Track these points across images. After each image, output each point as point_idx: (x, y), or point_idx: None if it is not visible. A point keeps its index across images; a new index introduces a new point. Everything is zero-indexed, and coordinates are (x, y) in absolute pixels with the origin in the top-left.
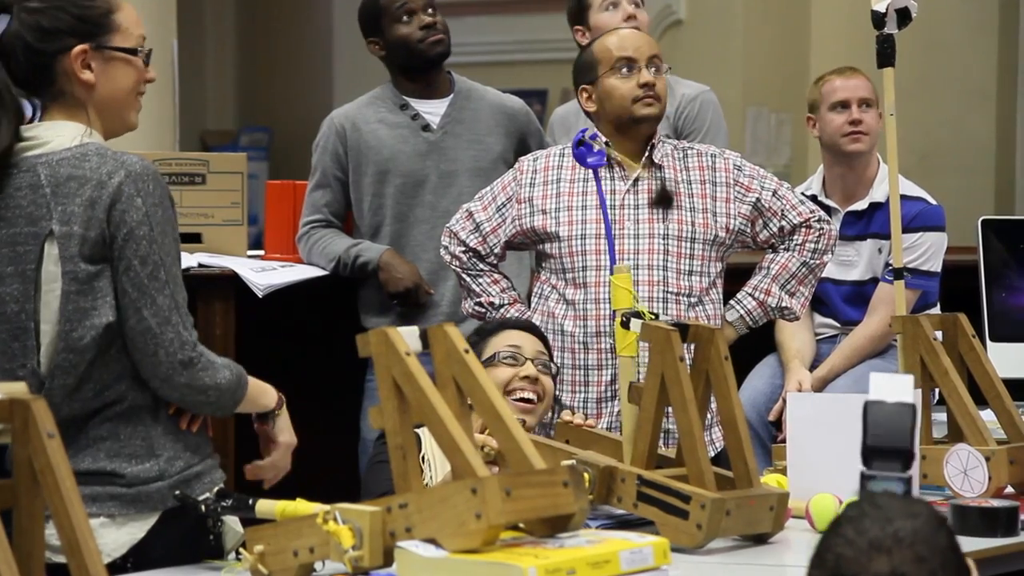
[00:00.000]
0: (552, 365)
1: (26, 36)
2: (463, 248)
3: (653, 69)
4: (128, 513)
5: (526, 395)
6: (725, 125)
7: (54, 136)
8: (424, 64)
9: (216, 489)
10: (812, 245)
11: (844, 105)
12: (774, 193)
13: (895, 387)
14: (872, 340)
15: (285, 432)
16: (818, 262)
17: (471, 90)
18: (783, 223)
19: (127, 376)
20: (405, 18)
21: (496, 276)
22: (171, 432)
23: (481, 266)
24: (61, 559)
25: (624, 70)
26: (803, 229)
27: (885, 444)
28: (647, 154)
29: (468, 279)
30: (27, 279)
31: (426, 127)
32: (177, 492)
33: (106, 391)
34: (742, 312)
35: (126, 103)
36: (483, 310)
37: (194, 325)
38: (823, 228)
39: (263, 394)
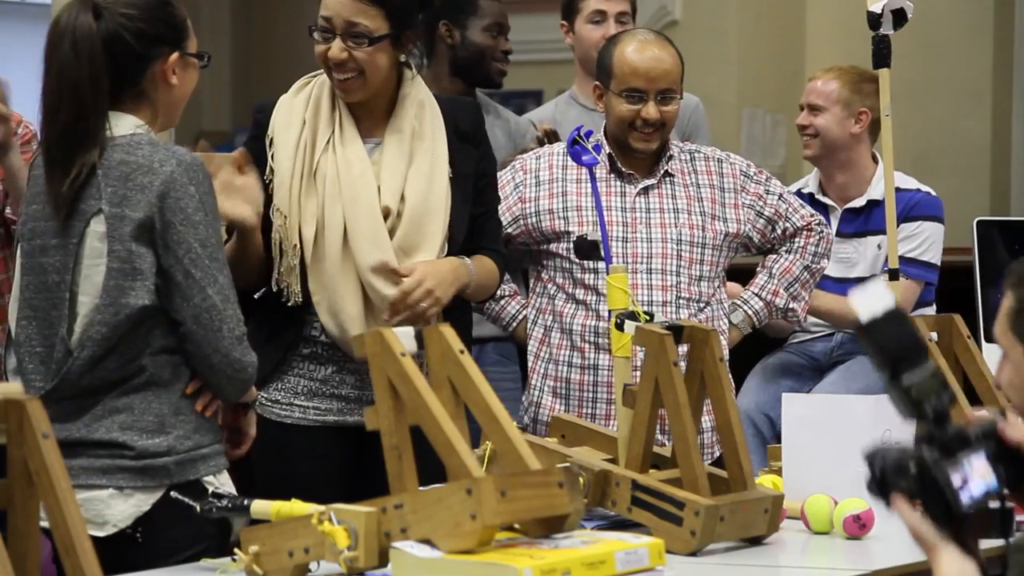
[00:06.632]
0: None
1: (129, 39)
2: None
3: (662, 100)
4: (135, 484)
5: (337, 76)
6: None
7: (113, 124)
8: (480, 79)
9: (211, 490)
10: (813, 248)
11: (802, 108)
12: (780, 197)
13: (875, 298)
14: None
15: (254, 425)
16: (818, 266)
17: (489, 104)
18: (787, 225)
19: (148, 352)
20: (494, 32)
21: None
22: (183, 413)
23: None
24: None
25: (631, 97)
26: (804, 232)
27: (907, 351)
28: (664, 164)
29: None
30: (68, 252)
31: None
32: (173, 493)
33: (127, 365)
34: (749, 312)
35: (184, 103)
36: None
37: None
38: (823, 232)
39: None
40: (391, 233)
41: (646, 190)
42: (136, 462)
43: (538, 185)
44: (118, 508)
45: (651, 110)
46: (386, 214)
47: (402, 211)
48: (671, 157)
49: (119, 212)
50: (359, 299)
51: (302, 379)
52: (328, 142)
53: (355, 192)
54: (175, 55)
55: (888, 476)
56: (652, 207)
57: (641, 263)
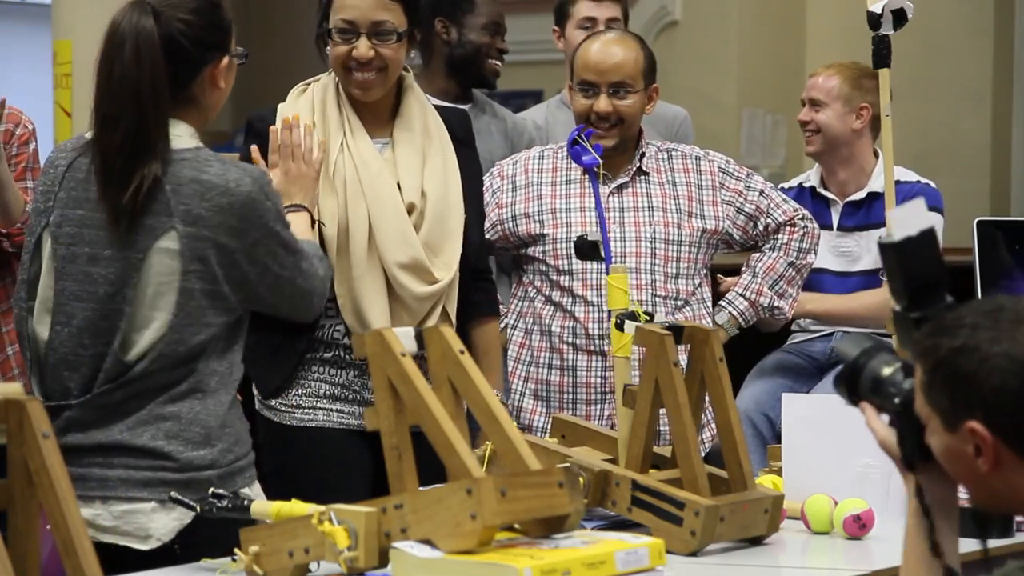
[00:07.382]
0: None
1: (185, 44)
2: None
3: (614, 93)
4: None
5: (359, 76)
6: None
7: (172, 135)
8: (474, 79)
9: (211, 490)
10: (797, 244)
11: (803, 104)
12: (761, 193)
13: (914, 217)
14: (879, 302)
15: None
16: (804, 262)
17: (486, 103)
18: (768, 220)
19: (198, 359)
20: (491, 30)
21: None
22: (228, 424)
23: None
24: (106, 538)
25: (584, 91)
26: (787, 227)
27: (929, 284)
28: (636, 162)
29: None
30: (130, 265)
31: None
32: (172, 493)
33: (175, 370)
34: (734, 313)
35: (223, 102)
36: None
37: None
38: (807, 227)
39: (307, 230)
40: (415, 230)
41: (619, 189)
42: (179, 475)
43: (514, 190)
44: (161, 522)
45: (603, 103)
46: (410, 210)
47: (424, 208)
48: (644, 155)
49: (195, 232)
50: (384, 298)
51: (324, 383)
52: (341, 143)
53: (377, 190)
54: (226, 59)
55: (863, 390)
56: (626, 206)
57: (615, 261)
